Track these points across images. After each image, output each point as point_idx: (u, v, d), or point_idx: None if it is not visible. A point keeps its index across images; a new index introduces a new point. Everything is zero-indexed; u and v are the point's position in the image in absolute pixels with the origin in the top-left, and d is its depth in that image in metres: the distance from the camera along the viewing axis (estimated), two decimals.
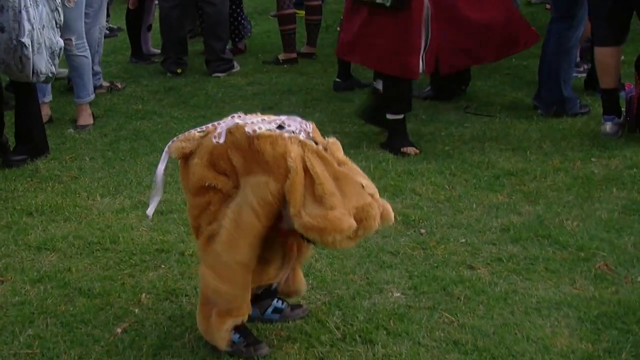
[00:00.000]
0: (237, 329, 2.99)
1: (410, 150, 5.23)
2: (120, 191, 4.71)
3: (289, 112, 5.96)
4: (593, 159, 4.99)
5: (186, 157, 2.98)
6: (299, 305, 3.29)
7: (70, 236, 4.06)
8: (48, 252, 3.91)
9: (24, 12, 4.80)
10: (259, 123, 2.84)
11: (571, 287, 3.46)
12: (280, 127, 2.81)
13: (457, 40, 5.17)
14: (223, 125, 2.91)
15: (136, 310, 3.34)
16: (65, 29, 5.86)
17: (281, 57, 8.10)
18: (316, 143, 2.78)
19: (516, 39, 5.42)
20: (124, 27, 8.86)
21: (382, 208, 2.71)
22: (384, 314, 3.26)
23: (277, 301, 3.24)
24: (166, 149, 3.01)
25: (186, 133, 3.01)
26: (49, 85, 6.19)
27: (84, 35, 6.10)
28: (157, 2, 8.43)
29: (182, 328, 3.19)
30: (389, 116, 5.34)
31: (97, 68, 6.92)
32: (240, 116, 2.94)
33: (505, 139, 5.45)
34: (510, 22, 5.36)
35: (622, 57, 5.79)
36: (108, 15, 8.32)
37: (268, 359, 2.97)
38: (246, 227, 2.76)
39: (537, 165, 4.92)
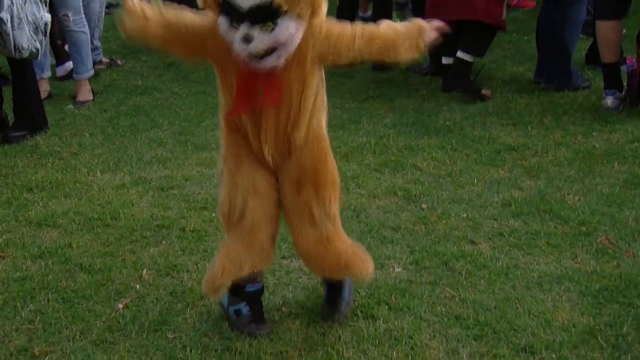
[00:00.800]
0: (250, 299, 2.99)
1: (488, 93, 5.76)
2: (121, 167, 4.70)
3: None
4: (594, 133, 4.98)
5: None
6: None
7: (70, 212, 4.06)
8: (49, 228, 3.91)
9: None
10: None
11: (572, 261, 3.46)
12: None
13: None
14: None
15: (137, 286, 3.34)
16: (62, 4, 5.84)
17: None
18: None
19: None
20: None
21: None
22: (385, 289, 3.25)
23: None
24: None
25: None
26: (47, 61, 6.17)
27: (82, 11, 6.06)
28: None
29: (183, 304, 3.19)
30: (465, 56, 5.74)
31: (97, 43, 6.90)
32: None
33: (507, 114, 5.43)
34: None
35: (624, 31, 5.76)
36: None
37: (269, 335, 2.97)
38: None
39: (538, 139, 4.91)
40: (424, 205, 4.06)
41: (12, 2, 4.76)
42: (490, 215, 3.93)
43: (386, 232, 3.78)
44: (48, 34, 5.17)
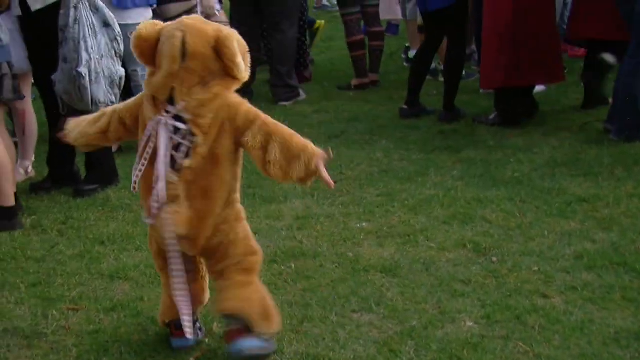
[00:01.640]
0: None
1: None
2: None
3: (355, 140, 6.03)
4: None
5: None
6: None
7: (141, 265, 4.10)
8: (120, 281, 3.95)
9: (82, 43, 4.88)
10: None
11: None
12: None
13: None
14: None
15: (207, 340, 3.35)
16: (131, 60, 5.94)
17: (354, 82, 8.13)
18: None
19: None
20: None
21: None
22: (457, 343, 3.21)
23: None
24: None
25: None
26: None
27: None
28: None
29: None
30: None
31: None
32: None
33: (576, 165, 5.36)
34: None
35: None
36: None
37: None
38: None
39: (609, 191, 4.83)
40: (494, 259, 4.01)
41: (90, 57, 4.92)
42: (563, 269, 3.86)
43: (457, 285, 3.74)
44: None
